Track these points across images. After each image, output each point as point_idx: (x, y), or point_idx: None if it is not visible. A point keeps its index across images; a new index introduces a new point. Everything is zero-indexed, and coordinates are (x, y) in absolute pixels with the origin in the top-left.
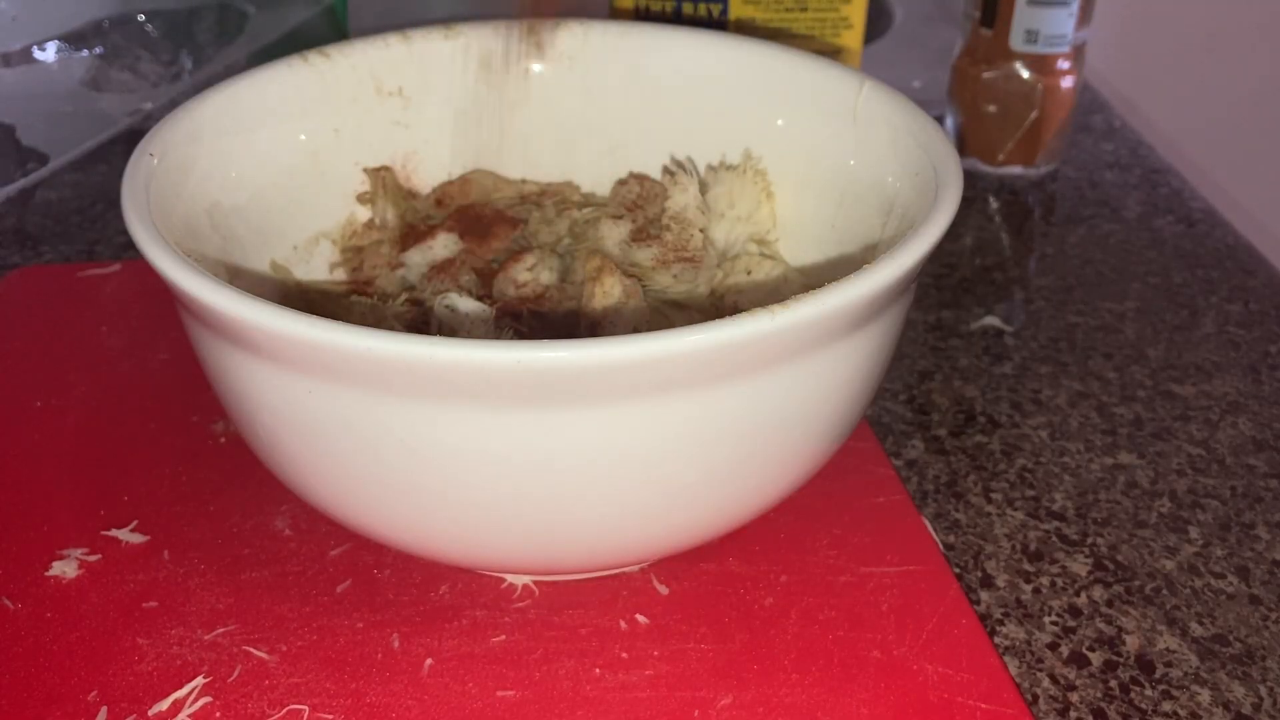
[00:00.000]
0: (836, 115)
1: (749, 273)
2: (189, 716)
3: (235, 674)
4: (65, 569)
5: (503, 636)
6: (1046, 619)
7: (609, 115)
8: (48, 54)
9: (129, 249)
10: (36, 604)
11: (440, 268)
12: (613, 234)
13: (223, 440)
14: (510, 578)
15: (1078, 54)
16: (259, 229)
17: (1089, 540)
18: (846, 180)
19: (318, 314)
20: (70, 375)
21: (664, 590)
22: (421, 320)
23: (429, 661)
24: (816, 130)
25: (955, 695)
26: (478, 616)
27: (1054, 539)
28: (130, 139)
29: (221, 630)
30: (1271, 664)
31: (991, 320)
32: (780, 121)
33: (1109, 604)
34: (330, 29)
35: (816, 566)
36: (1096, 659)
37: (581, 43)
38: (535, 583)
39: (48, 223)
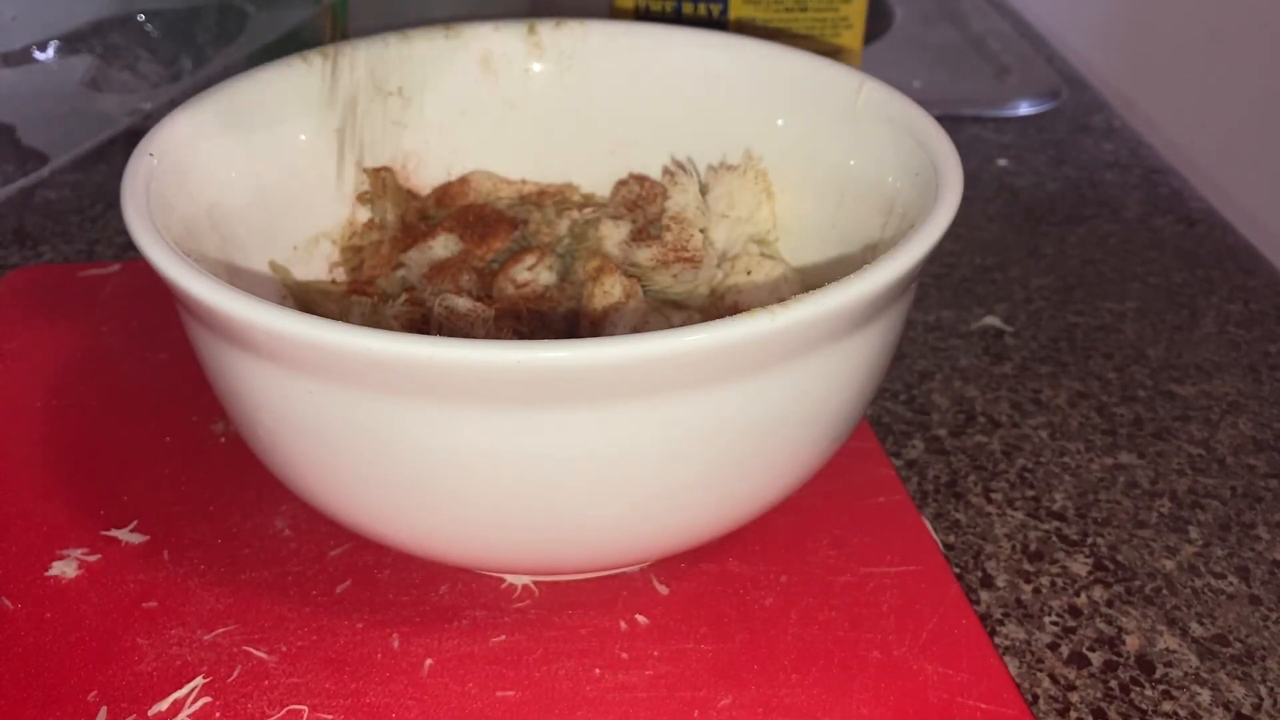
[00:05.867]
0: (836, 115)
1: (749, 273)
2: (189, 717)
3: (235, 674)
4: (65, 569)
5: (502, 637)
6: (1047, 619)
7: (609, 115)
8: (47, 54)
9: (129, 249)
10: (36, 604)
11: (440, 268)
12: (613, 234)
13: (223, 440)
14: (510, 578)
15: None
16: (259, 229)
17: (1089, 540)
18: (846, 180)
19: (318, 314)
20: (70, 375)
21: (664, 590)
22: (421, 320)
23: (429, 662)
24: (816, 130)
25: (955, 695)
26: (477, 617)
27: (1054, 539)
28: (130, 139)
29: (221, 630)
30: (1272, 664)
31: (991, 320)
32: (780, 121)
33: (1109, 604)
34: (330, 29)
35: (816, 566)
36: (1096, 659)
37: (581, 42)
38: (535, 583)
39: (47, 223)
